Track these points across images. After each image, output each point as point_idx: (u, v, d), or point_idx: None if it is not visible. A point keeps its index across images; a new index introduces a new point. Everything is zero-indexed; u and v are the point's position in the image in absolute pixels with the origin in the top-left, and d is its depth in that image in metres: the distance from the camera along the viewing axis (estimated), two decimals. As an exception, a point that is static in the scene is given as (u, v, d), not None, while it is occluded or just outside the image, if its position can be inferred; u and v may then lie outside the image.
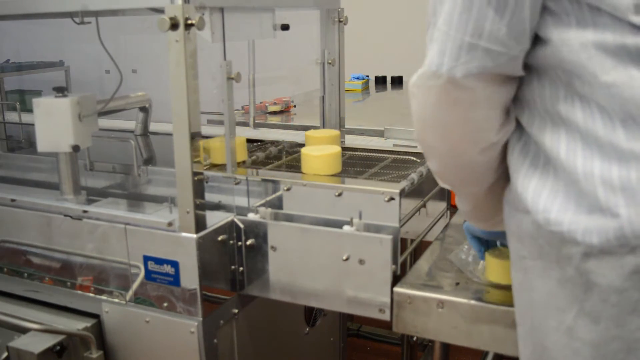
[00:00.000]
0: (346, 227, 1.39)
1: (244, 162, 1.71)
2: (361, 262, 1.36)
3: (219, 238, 1.45)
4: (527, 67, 0.89)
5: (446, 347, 1.40)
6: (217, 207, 1.56)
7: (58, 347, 1.45)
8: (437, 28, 0.86)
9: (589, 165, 0.82)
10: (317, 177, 1.55)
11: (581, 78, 0.82)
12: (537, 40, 0.86)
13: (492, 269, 1.33)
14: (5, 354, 1.46)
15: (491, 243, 1.36)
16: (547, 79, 0.88)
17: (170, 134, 1.39)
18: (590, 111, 0.83)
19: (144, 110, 2.28)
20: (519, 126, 0.95)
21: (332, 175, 1.58)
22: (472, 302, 1.25)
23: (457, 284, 1.32)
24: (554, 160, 0.86)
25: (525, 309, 0.97)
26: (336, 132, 1.84)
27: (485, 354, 1.79)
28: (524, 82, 0.91)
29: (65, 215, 1.56)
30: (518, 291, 0.98)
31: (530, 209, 0.89)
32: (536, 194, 0.88)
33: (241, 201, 1.54)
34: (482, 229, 1.27)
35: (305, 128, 2.69)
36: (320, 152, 1.59)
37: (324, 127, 2.00)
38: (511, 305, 1.22)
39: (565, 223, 0.84)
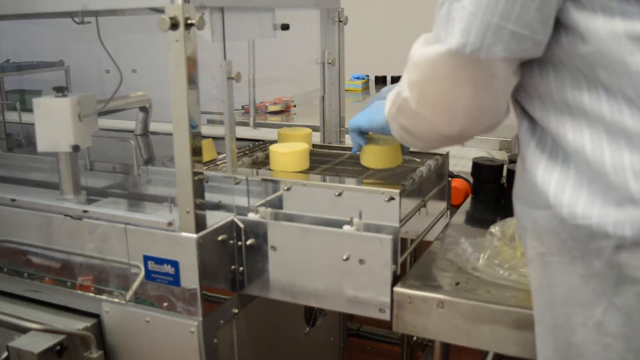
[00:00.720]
0: (346, 227, 1.39)
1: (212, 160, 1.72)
2: (361, 262, 1.36)
3: (219, 238, 1.45)
4: (541, 60, 0.88)
5: (446, 347, 1.39)
6: (217, 207, 1.56)
7: (58, 347, 1.45)
8: (461, 6, 0.84)
9: (618, 157, 0.81)
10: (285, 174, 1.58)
11: (607, 69, 0.81)
12: (560, 28, 0.85)
13: (366, 154, 1.50)
14: (5, 354, 1.46)
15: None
16: (566, 71, 0.87)
17: (170, 134, 1.39)
18: (617, 102, 0.82)
19: (144, 110, 2.28)
20: (531, 121, 0.94)
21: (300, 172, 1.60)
22: (472, 302, 1.25)
23: (457, 283, 1.32)
24: (576, 153, 0.85)
25: (544, 306, 0.95)
26: (307, 129, 1.85)
27: (486, 354, 1.79)
28: (538, 75, 0.90)
29: (66, 215, 1.56)
30: (537, 289, 0.97)
31: (552, 203, 0.87)
32: (559, 188, 0.87)
33: (241, 201, 1.54)
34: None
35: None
36: (288, 149, 1.61)
37: (323, 127, 2.00)
38: (511, 305, 1.22)
39: (594, 216, 0.83)
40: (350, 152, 1.78)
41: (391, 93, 1.12)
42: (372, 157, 1.53)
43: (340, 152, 1.84)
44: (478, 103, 0.92)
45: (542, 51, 0.87)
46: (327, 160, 1.74)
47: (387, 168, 1.55)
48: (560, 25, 0.85)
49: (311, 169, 1.64)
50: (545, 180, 0.89)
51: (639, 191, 0.79)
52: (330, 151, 1.85)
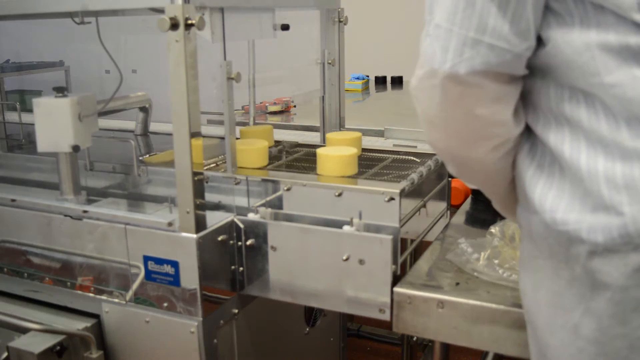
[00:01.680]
0: (346, 227, 1.39)
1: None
2: (361, 262, 1.36)
3: (219, 238, 1.45)
4: (531, 67, 0.89)
5: (446, 347, 1.40)
6: (217, 207, 1.56)
7: (58, 347, 1.45)
8: (435, 25, 0.85)
9: (593, 164, 0.82)
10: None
11: (585, 78, 0.83)
12: (539, 40, 0.86)
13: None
14: (5, 354, 1.46)
15: None
16: (551, 78, 0.88)
17: (170, 134, 1.39)
18: (595, 110, 0.83)
19: (144, 110, 2.28)
20: (526, 127, 0.95)
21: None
22: (472, 302, 1.25)
23: (457, 284, 1.32)
24: (559, 159, 0.87)
25: (534, 308, 0.97)
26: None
27: (485, 354, 1.79)
28: (529, 82, 0.91)
29: (66, 215, 1.56)
30: (529, 291, 0.98)
31: (537, 209, 0.89)
32: (543, 194, 0.88)
33: (241, 201, 1.54)
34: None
35: (306, 128, 2.70)
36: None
37: (323, 127, 2.00)
38: (511, 305, 1.22)
39: (571, 222, 0.84)
40: (393, 156, 1.79)
41: None
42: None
43: (384, 155, 1.82)
44: (477, 119, 0.92)
45: (524, 67, 0.88)
46: (373, 165, 1.72)
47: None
48: (540, 38, 0.86)
49: (360, 173, 1.62)
50: (532, 187, 0.91)
51: (610, 198, 0.80)
52: (374, 154, 1.84)
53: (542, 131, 0.90)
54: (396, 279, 1.35)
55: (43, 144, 1.59)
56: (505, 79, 0.88)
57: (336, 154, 1.59)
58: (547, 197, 0.88)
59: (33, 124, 1.59)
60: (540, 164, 0.91)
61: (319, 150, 1.61)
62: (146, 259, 1.46)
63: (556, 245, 0.88)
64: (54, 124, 1.57)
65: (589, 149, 0.83)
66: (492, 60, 0.84)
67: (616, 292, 0.81)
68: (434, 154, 1.73)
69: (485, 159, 0.97)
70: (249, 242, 1.48)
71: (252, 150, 1.66)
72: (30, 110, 1.61)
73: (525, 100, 0.93)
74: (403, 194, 1.39)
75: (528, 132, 0.94)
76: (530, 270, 0.97)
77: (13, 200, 1.64)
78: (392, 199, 1.37)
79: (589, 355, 0.86)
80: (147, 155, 1.86)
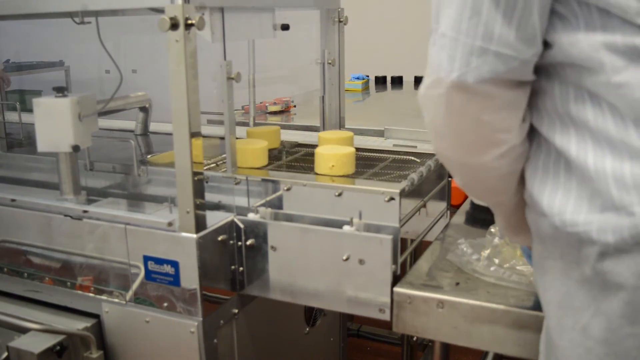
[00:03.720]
0: (346, 227, 1.39)
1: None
2: (361, 262, 1.36)
3: (219, 238, 1.45)
4: (536, 68, 0.89)
5: (446, 347, 1.40)
6: (217, 207, 1.56)
7: (58, 347, 1.45)
8: (441, 34, 0.85)
9: (601, 164, 0.82)
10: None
11: (591, 78, 0.83)
12: (545, 43, 0.86)
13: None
14: (5, 354, 1.46)
15: None
16: (557, 79, 0.88)
17: (170, 134, 1.39)
18: (601, 110, 0.83)
19: (144, 110, 2.28)
20: (531, 129, 0.95)
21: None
22: (472, 302, 1.25)
23: (457, 284, 1.32)
24: (566, 160, 0.87)
25: (545, 309, 0.97)
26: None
27: (485, 354, 1.79)
28: (534, 83, 0.91)
29: (66, 215, 1.56)
30: (540, 291, 0.99)
31: (546, 211, 0.89)
32: (552, 196, 0.88)
33: (241, 201, 1.54)
34: (518, 243, 1.26)
35: (306, 128, 2.69)
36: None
37: (323, 127, 2.00)
38: (511, 305, 1.22)
39: (580, 224, 0.84)
40: (393, 156, 1.79)
41: None
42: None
43: (384, 155, 1.82)
44: (483, 126, 0.92)
45: (531, 72, 0.88)
46: (358, 164, 1.71)
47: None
48: (546, 39, 0.86)
49: (357, 173, 1.62)
50: (541, 189, 0.91)
51: (620, 198, 0.80)
52: (361, 153, 1.83)
53: (547, 132, 0.90)
54: (396, 279, 1.35)
55: (43, 143, 1.59)
56: (513, 85, 0.88)
57: (334, 152, 1.59)
58: (555, 199, 0.88)
59: (33, 124, 1.59)
60: (546, 165, 0.91)
61: (317, 149, 1.61)
62: (146, 258, 1.46)
63: (566, 246, 0.88)
64: (54, 123, 1.57)
65: (596, 149, 0.83)
66: (500, 68, 0.84)
67: (628, 292, 0.81)
68: (434, 154, 1.73)
69: (493, 166, 0.96)
70: (249, 242, 1.48)
71: (251, 150, 1.66)
72: (30, 110, 1.61)
73: (530, 102, 0.93)
74: (403, 194, 1.39)
75: (533, 133, 0.94)
76: (540, 272, 0.97)
77: (13, 200, 1.64)
78: (392, 198, 1.37)
79: (598, 355, 0.86)
80: (150, 156, 1.86)
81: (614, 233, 0.80)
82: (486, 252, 1.38)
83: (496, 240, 1.41)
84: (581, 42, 0.82)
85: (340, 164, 1.58)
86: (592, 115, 0.84)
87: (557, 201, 0.87)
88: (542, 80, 0.90)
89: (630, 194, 0.79)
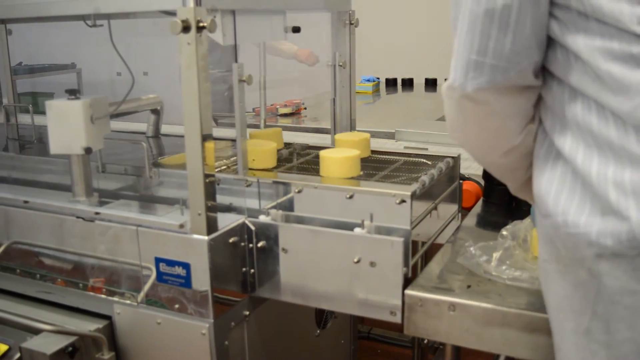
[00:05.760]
0: (357, 230, 1.39)
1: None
2: (372, 264, 1.36)
3: (230, 240, 1.45)
4: (548, 72, 0.92)
5: (457, 350, 1.39)
6: (229, 209, 1.56)
7: (70, 348, 1.45)
8: (455, 43, 0.91)
9: (603, 169, 0.84)
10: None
11: (595, 85, 0.84)
12: (552, 47, 0.89)
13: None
14: (17, 355, 1.47)
15: None
16: (567, 85, 0.89)
17: (181, 136, 1.39)
18: (605, 116, 0.84)
19: (156, 112, 2.29)
20: (543, 130, 0.96)
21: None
22: (484, 304, 1.24)
23: (469, 286, 1.32)
24: (572, 163, 0.88)
25: (547, 311, 1.00)
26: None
27: (497, 357, 1.78)
28: (546, 87, 0.94)
29: (78, 217, 1.56)
30: (544, 295, 1.02)
31: (550, 211, 0.90)
32: (556, 196, 0.90)
33: (252, 203, 1.55)
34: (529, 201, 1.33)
35: (316, 130, 2.70)
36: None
37: (334, 130, 2.00)
38: (523, 308, 1.22)
39: (581, 225, 0.85)
40: (404, 159, 1.78)
41: None
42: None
43: (395, 157, 1.81)
44: (485, 132, 0.99)
45: (532, 78, 0.91)
46: (369, 166, 1.71)
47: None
48: (554, 43, 0.89)
49: (370, 175, 1.62)
50: (547, 189, 0.92)
51: (618, 202, 0.82)
52: (372, 156, 1.82)
53: (557, 135, 0.92)
54: (407, 282, 1.35)
55: (56, 146, 1.60)
56: (515, 91, 0.92)
57: (338, 155, 1.58)
58: (560, 199, 0.89)
59: (45, 126, 1.60)
60: (554, 166, 0.92)
61: (321, 153, 1.61)
62: (158, 260, 1.46)
63: (563, 249, 0.89)
64: (66, 126, 1.58)
65: (600, 154, 0.85)
66: (497, 78, 0.88)
67: (624, 296, 0.82)
68: (445, 157, 1.73)
69: (499, 162, 1.04)
70: (260, 244, 1.48)
71: (260, 151, 1.66)
72: (43, 113, 1.62)
73: (544, 105, 0.95)
74: (414, 196, 1.39)
75: (544, 134, 0.96)
76: (543, 275, 0.99)
77: (26, 202, 1.65)
78: (403, 201, 1.37)
79: (602, 359, 0.87)
80: (161, 158, 1.86)
81: (613, 237, 0.82)
82: (498, 255, 1.37)
83: (508, 242, 1.40)
84: (582, 50, 0.84)
85: (346, 167, 1.58)
86: (597, 121, 0.85)
87: (562, 201, 0.89)
88: (553, 85, 0.92)
89: (628, 198, 0.81)
